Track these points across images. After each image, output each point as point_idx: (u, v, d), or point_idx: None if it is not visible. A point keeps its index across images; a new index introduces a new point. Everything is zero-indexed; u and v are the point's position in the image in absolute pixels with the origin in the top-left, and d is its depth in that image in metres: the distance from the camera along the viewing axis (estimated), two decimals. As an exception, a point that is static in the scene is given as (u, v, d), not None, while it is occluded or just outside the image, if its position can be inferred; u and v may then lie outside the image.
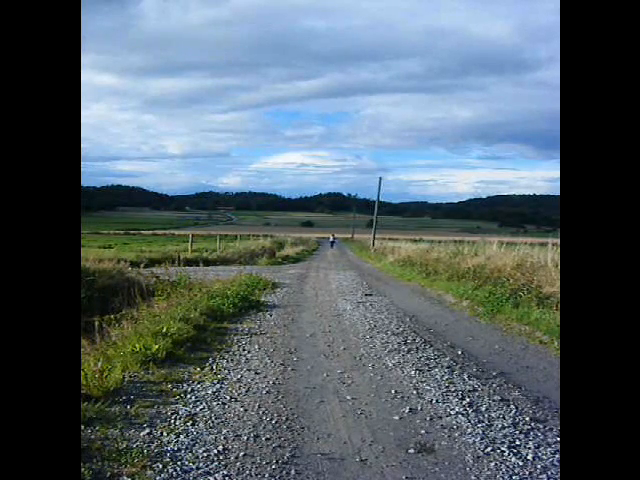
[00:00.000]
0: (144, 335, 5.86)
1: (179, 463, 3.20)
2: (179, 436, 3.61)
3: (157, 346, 5.48)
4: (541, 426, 3.97)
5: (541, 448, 3.57)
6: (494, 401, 4.52)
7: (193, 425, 3.82)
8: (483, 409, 4.32)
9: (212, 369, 5.33)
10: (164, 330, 6.07)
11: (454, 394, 4.68)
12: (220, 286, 10.54)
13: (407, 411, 4.21)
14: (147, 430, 3.66)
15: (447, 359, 6.00)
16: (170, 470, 3.11)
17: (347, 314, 9.14)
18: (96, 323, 6.45)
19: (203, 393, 4.55)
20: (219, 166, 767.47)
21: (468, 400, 4.52)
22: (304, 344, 6.68)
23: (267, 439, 3.63)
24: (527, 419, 4.11)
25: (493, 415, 4.18)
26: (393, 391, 4.73)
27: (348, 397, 4.55)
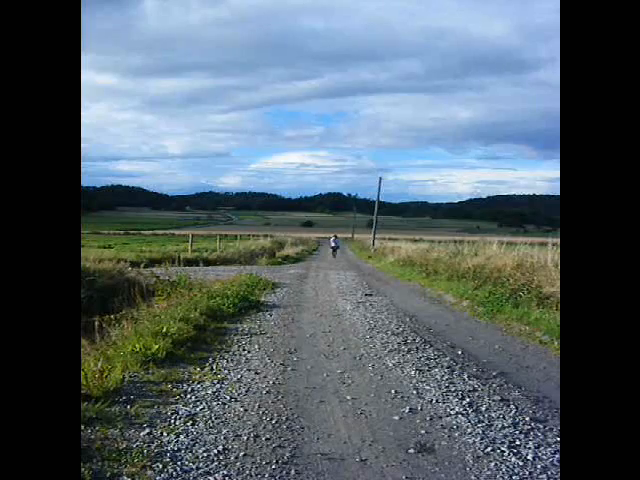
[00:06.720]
0: (144, 335, 5.86)
1: (179, 463, 3.20)
2: (179, 436, 3.61)
3: (157, 346, 5.48)
4: (541, 426, 3.97)
5: (541, 448, 3.56)
6: (494, 401, 4.52)
7: (193, 425, 3.82)
8: (483, 409, 4.31)
9: (212, 369, 5.33)
10: (164, 330, 6.07)
11: (454, 394, 4.68)
12: (220, 286, 10.55)
13: (407, 411, 4.21)
14: (147, 430, 3.66)
15: (447, 359, 5.99)
16: (170, 470, 3.11)
17: (347, 314, 9.14)
18: (96, 323, 6.45)
19: (203, 393, 4.55)
20: (219, 166, 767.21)
21: (468, 400, 4.51)
22: (304, 344, 6.68)
23: (267, 439, 3.63)
24: (527, 419, 4.10)
25: (493, 415, 4.18)
26: (393, 391, 4.73)
27: (348, 397, 4.54)
